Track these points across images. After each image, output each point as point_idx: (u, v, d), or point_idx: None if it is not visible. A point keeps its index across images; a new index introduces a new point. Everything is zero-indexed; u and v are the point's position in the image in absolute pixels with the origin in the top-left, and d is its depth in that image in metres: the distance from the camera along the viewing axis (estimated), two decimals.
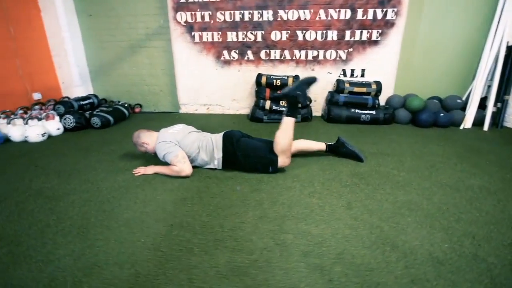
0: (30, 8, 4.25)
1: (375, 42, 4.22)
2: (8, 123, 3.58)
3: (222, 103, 4.74)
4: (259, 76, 4.25)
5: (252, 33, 4.36)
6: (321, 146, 2.90)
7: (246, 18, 4.31)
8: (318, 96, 4.57)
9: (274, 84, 4.24)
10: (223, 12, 4.30)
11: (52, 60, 4.59)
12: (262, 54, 4.44)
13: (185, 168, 2.43)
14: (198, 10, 4.32)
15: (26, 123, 3.60)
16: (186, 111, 4.84)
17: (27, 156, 2.99)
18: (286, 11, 4.24)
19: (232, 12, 4.29)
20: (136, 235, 1.60)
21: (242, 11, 4.28)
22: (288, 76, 4.23)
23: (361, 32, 4.21)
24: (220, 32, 4.40)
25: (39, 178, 2.43)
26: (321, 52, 4.37)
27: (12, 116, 3.73)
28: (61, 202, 2.01)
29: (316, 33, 4.29)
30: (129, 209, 1.89)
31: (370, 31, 4.18)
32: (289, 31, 4.31)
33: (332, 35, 4.28)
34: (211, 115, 4.64)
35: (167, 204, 1.97)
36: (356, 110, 4.18)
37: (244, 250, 1.43)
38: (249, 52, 4.45)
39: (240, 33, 4.38)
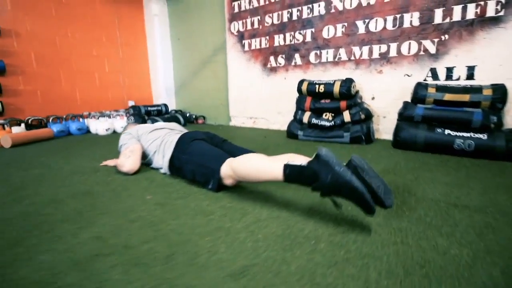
0: (139, 36, 4.50)
1: (493, 21, 1.98)
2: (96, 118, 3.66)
3: (267, 117, 3.46)
4: (301, 82, 2.77)
5: (300, 33, 2.98)
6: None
7: (295, 17, 3.00)
8: (389, 109, 2.58)
9: (317, 90, 2.66)
10: (271, 14, 3.17)
11: (150, 76, 4.69)
12: (312, 57, 2.94)
13: (126, 163, 1.63)
14: (249, 17, 3.36)
15: (98, 119, 3.58)
16: (235, 124, 3.83)
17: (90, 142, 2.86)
18: None
19: (280, 13, 3.09)
20: None
21: (290, 10, 3.01)
22: (334, 81, 2.56)
23: (464, 8, 2.09)
24: (267, 37, 3.25)
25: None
26: (393, 46, 2.45)
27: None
28: None
29: (385, 20, 2.45)
30: None
31: (481, 3, 2.00)
32: (345, 24, 2.67)
33: (411, 19, 2.33)
34: (255, 129, 3.43)
35: None
36: (446, 131, 2.01)
37: None
38: (296, 56, 3.05)
39: (287, 35, 3.08)
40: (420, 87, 2.20)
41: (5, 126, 2.95)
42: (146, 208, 1.15)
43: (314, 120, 2.65)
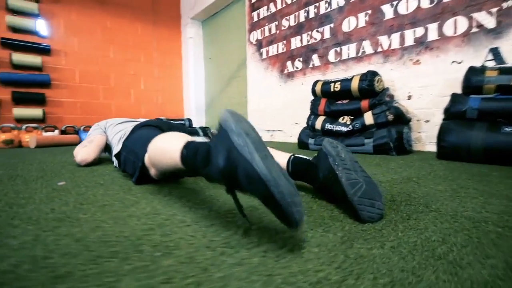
0: (174, 57, 4.73)
1: None
2: None
3: (284, 128, 3.01)
4: (315, 82, 2.32)
5: (318, 31, 2.59)
6: (280, 161, 0.80)
7: (312, 15, 2.65)
8: (432, 111, 1.91)
9: (332, 90, 2.16)
10: (288, 17, 2.89)
11: (182, 95, 4.79)
12: (331, 55, 2.49)
13: (79, 153, 1.44)
14: (267, 24, 3.15)
15: None
16: None
17: None
18: None
19: (296, 13, 2.79)
20: None
21: (307, 8, 2.69)
22: (353, 76, 2.04)
23: None
24: (284, 41, 2.94)
25: None
26: (432, 27, 1.86)
27: None
28: None
29: None
30: None
31: None
32: (369, 12, 2.19)
33: None
34: (272, 143, 2.99)
35: None
36: None
37: None
38: (314, 57, 2.64)
39: (304, 36, 2.73)
40: (473, 72, 1.52)
41: (39, 130, 3.15)
42: (38, 192, 0.83)
43: (328, 126, 2.10)
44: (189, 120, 4.05)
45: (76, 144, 3.10)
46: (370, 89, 1.91)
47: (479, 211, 0.62)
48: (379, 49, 2.12)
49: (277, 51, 2.99)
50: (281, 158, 0.84)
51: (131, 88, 4.20)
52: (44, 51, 3.40)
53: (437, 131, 1.61)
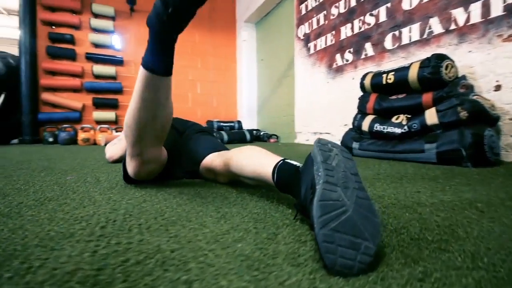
0: (229, 61, 4.84)
1: None
2: None
3: (331, 130, 2.68)
4: (364, 75, 1.98)
5: (372, 14, 2.21)
6: (266, 167, 0.63)
7: None
8: None
9: (384, 82, 1.80)
10: (337, 4, 2.57)
11: (236, 98, 4.87)
12: (388, 41, 2.08)
13: (108, 150, 1.55)
14: (315, 15, 2.88)
15: None
16: (299, 141, 3.21)
17: None
18: None
19: None
20: None
21: None
22: (411, 63, 1.64)
23: None
24: (333, 32, 2.63)
25: None
26: None
27: None
28: None
29: None
30: None
31: None
32: None
33: None
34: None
35: None
36: None
37: None
38: (367, 45, 2.26)
39: (356, 22, 2.37)
40: None
41: (110, 130, 3.62)
42: (43, 184, 0.87)
43: (377, 127, 1.72)
44: (239, 122, 4.04)
45: None
46: (435, 78, 1.46)
47: None
48: (452, 27, 1.61)
49: (325, 44, 2.67)
50: (268, 165, 0.61)
51: (189, 92, 4.45)
52: (117, 62, 3.89)
53: None
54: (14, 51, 3.59)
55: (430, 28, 1.75)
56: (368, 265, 0.32)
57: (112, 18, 3.89)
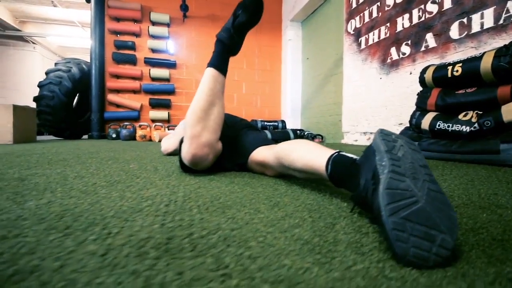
0: (274, 61, 4.87)
1: None
2: None
3: None
4: (425, 69, 1.84)
5: (434, 2, 2.03)
6: (319, 159, 0.62)
7: None
8: None
9: (449, 75, 1.66)
10: None
11: (280, 97, 4.88)
12: (454, 30, 1.89)
13: (163, 143, 1.67)
14: (367, 8, 2.74)
15: None
16: (347, 142, 3.08)
17: None
18: None
19: None
20: None
21: None
22: (483, 53, 1.49)
23: None
24: (388, 24, 2.47)
25: None
26: None
27: None
28: None
29: None
30: None
31: None
32: None
33: None
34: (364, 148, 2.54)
35: None
36: None
37: None
38: (428, 36, 2.08)
39: (415, 12, 2.20)
40: None
41: (163, 128, 3.93)
42: (111, 169, 0.99)
43: (440, 125, 1.57)
44: (283, 121, 4.03)
45: None
46: None
47: None
48: None
49: (379, 38, 2.51)
50: (321, 157, 0.60)
51: (234, 93, 4.58)
52: (171, 65, 4.20)
53: None
54: (87, 58, 4.11)
55: (508, 12, 1.52)
56: (445, 259, 0.29)
57: (167, 25, 4.20)
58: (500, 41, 1.55)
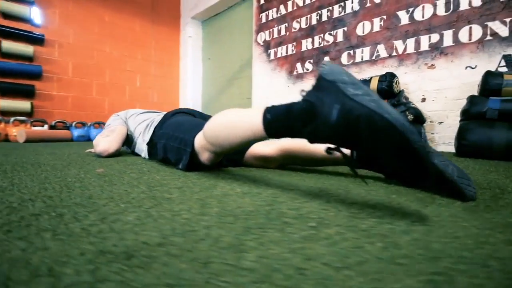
0: (173, 56, 4.63)
1: None
2: None
3: None
4: None
5: (330, 34, 2.64)
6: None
7: (325, 18, 2.70)
8: (446, 113, 1.98)
9: None
10: (299, 19, 2.93)
11: (179, 94, 4.69)
12: (344, 58, 2.54)
13: (100, 142, 1.32)
14: (276, 25, 3.17)
15: None
16: None
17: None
18: None
19: (308, 16, 2.84)
20: None
21: (319, 11, 2.74)
22: (371, 77, 2.09)
23: None
24: (294, 43, 2.97)
25: None
26: (448, 33, 1.95)
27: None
28: None
29: (435, 5, 2.00)
30: None
31: None
32: (384, 17, 2.27)
33: None
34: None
35: None
36: None
37: None
38: (326, 58, 2.68)
39: (316, 38, 2.77)
40: (492, 75, 1.61)
41: (28, 124, 2.93)
42: (83, 176, 0.79)
43: None
44: None
45: (68, 140, 2.92)
46: (389, 90, 1.97)
47: None
48: (394, 53, 2.20)
49: (286, 53, 3.02)
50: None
51: (127, 85, 4.05)
52: (37, 40, 3.20)
53: (452, 133, 1.69)
54: None
55: (377, 52, 2.32)
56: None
57: None
58: (373, 70, 2.33)
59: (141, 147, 1.31)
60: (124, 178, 0.77)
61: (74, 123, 3.36)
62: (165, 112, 1.57)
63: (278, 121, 0.57)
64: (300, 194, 0.59)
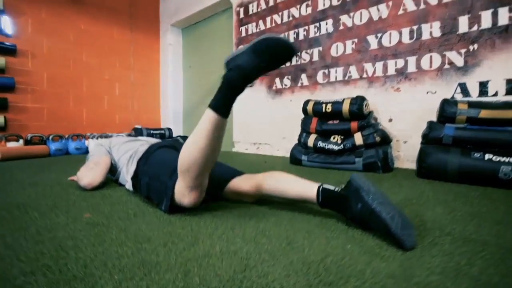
0: (152, 63, 4.60)
1: None
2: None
3: (271, 142, 3.13)
4: (306, 102, 2.48)
5: (307, 53, 2.78)
6: (309, 191, 0.94)
7: (301, 37, 2.83)
8: (410, 133, 2.17)
9: (324, 110, 2.34)
10: None
11: (160, 102, 4.67)
12: (319, 77, 2.68)
13: (85, 176, 1.36)
14: None
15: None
16: (238, 150, 3.52)
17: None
18: (351, 14, 2.46)
19: (286, 34, 2.95)
20: None
21: (296, 30, 2.87)
22: (344, 99, 2.24)
23: (495, 13, 1.78)
24: None
25: None
26: (411, 59, 2.14)
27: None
28: None
29: (400, 33, 2.18)
30: None
31: None
32: (355, 40, 2.43)
33: (431, 29, 2.05)
34: (258, 156, 3.09)
35: None
36: (487, 156, 1.57)
37: None
38: (303, 76, 2.82)
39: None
40: (448, 104, 1.81)
41: (2, 140, 2.86)
42: (72, 228, 0.86)
43: (320, 144, 2.28)
44: (169, 129, 4.00)
45: (45, 155, 2.89)
46: (359, 112, 2.14)
47: (481, 234, 0.81)
48: (364, 75, 2.38)
49: None
50: (310, 189, 0.95)
51: (105, 95, 4.01)
52: (8, 51, 3.11)
53: (415, 152, 1.88)
54: None
55: (350, 73, 2.49)
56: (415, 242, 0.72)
57: None
58: (346, 90, 2.50)
59: (125, 178, 1.38)
60: (113, 229, 0.85)
61: (51, 136, 3.31)
62: (147, 139, 1.64)
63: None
64: (269, 254, 0.70)
